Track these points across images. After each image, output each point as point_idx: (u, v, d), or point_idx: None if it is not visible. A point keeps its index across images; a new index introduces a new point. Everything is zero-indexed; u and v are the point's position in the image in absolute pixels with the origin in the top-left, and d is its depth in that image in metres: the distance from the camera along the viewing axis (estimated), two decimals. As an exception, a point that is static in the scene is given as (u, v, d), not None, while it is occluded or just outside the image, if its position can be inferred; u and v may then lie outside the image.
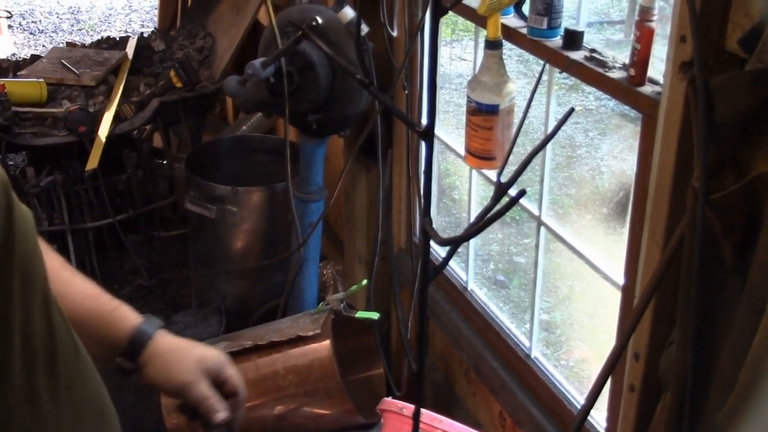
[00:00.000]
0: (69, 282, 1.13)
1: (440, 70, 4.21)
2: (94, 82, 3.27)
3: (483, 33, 1.91)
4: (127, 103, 3.18)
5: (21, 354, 0.85)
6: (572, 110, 0.66)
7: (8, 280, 0.84)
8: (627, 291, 1.63)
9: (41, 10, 7.19)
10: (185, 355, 1.16)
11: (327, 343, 2.22)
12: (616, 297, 1.70)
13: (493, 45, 1.83)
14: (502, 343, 2.16)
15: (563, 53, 1.69)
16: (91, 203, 3.31)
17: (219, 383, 1.17)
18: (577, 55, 1.67)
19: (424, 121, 2.26)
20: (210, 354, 1.18)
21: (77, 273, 1.15)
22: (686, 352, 1.10)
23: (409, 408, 1.91)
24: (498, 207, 0.52)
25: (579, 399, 1.93)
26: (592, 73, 1.61)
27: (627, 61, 1.53)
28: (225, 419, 1.14)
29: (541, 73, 1.69)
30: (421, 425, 1.83)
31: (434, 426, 1.82)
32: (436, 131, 2.32)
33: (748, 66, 1.07)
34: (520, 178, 0.56)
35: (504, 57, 1.86)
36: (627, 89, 1.52)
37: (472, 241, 2.36)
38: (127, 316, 1.15)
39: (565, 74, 1.81)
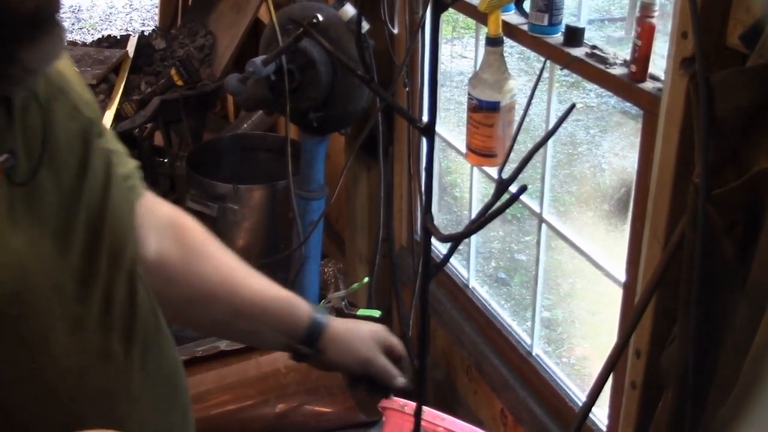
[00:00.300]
0: (249, 276, 1.22)
1: (441, 67, 4.21)
2: (95, 80, 3.27)
3: (484, 30, 1.91)
4: (128, 102, 3.18)
5: (99, 317, 0.93)
6: (573, 107, 0.65)
7: (97, 250, 0.93)
8: (628, 288, 1.63)
9: (42, 9, 7.18)
10: (358, 335, 1.27)
11: (328, 340, 2.21)
12: (617, 294, 1.70)
13: (493, 42, 1.83)
14: (504, 341, 2.16)
15: (564, 50, 1.69)
16: (92, 202, 3.30)
17: (387, 352, 1.28)
18: (578, 52, 1.66)
19: (425, 118, 2.25)
20: (375, 328, 1.29)
21: (251, 269, 1.24)
22: (687, 349, 1.10)
23: (410, 406, 1.91)
24: (499, 203, 0.52)
25: (580, 396, 1.93)
26: (593, 70, 1.61)
27: (628, 57, 1.53)
28: (404, 383, 1.29)
29: (542, 70, 1.69)
30: (423, 423, 1.83)
31: (436, 424, 1.82)
32: (437, 128, 2.32)
33: (750, 62, 1.07)
34: (521, 175, 0.56)
35: (505, 54, 1.86)
36: (628, 86, 1.52)
37: (473, 239, 2.36)
38: (302, 307, 1.24)
39: (566, 71, 1.81)
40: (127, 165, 1.12)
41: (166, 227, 1.19)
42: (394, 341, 1.30)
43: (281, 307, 1.23)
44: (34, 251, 0.86)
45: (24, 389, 0.87)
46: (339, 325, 1.26)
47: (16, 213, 0.86)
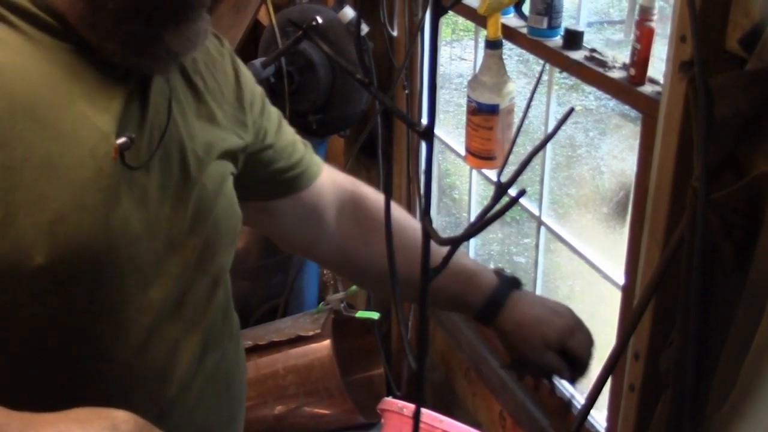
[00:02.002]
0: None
1: (440, 70, 4.21)
2: (95, 82, 3.27)
3: (483, 33, 1.91)
4: (128, 103, 3.18)
5: (171, 307, 0.97)
6: (572, 110, 0.66)
7: (187, 251, 0.98)
8: (627, 291, 1.63)
9: (41, 10, 7.18)
10: (530, 333, 1.27)
11: (327, 342, 2.22)
12: (616, 297, 1.70)
13: (493, 45, 1.83)
14: (503, 343, 2.16)
15: (563, 53, 1.69)
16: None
17: (565, 349, 1.29)
18: (577, 55, 1.67)
19: (424, 121, 2.26)
20: (553, 329, 1.28)
21: (412, 219, 1.28)
22: (686, 351, 1.10)
23: (409, 408, 1.91)
24: (498, 206, 0.52)
25: (579, 399, 1.93)
26: (592, 73, 1.61)
27: (627, 60, 1.53)
28: (565, 377, 1.30)
29: (541, 73, 1.69)
30: (422, 425, 1.83)
31: (434, 426, 1.82)
32: (436, 131, 2.32)
33: (749, 66, 1.07)
34: (520, 178, 0.56)
35: (504, 57, 1.86)
36: (627, 89, 1.52)
37: (472, 241, 2.36)
38: (484, 282, 1.27)
39: (565, 74, 1.81)
40: (297, 153, 1.20)
41: (344, 203, 1.26)
42: (573, 344, 1.30)
43: (461, 279, 1.26)
44: (127, 231, 0.90)
45: (83, 348, 0.90)
46: (515, 315, 1.27)
47: (119, 193, 0.89)
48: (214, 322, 1.06)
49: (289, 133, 1.22)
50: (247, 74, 1.16)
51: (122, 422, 0.79)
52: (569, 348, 1.29)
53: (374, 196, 1.30)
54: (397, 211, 1.29)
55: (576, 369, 1.31)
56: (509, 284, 1.29)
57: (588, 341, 1.32)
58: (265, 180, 1.18)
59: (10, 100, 0.82)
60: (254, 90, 1.16)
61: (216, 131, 1.04)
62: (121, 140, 0.87)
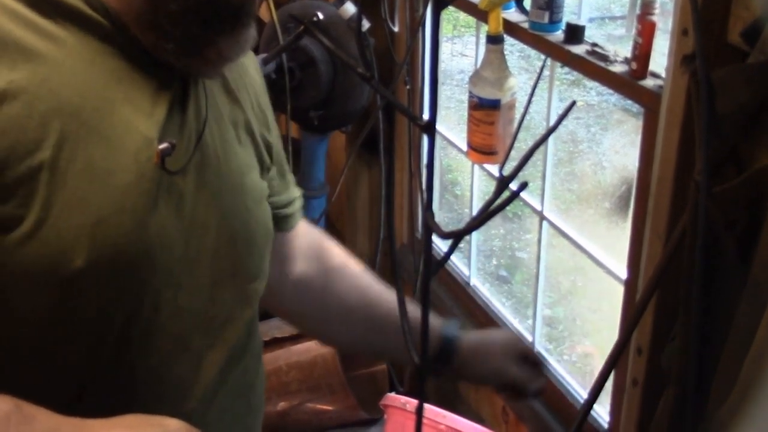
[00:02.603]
0: (385, 293, 1.27)
1: (441, 65, 4.21)
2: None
3: (484, 28, 1.91)
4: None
5: (199, 318, 0.97)
6: (573, 104, 0.66)
7: (219, 261, 0.98)
8: (629, 285, 1.63)
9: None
10: (491, 349, 1.30)
11: (329, 339, 2.22)
12: (618, 292, 1.70)
13: (494, 40, 1.83)
14: (505, 339, 2.16)
15: (565, 48, 1.69)
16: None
17: (522, 359, 1.31)
18: (579, 50, 1.66)
19: (425, 116, 2.25)
20: (506, 340, 1.34)
21: (387, 287, 1.28)
22: (689, 346, 1.10)
23: (412, 403, 1.92)
24: (499, 201, 0.52)
25: (582, 394, 1.93)
26: (593, 68, 1.61)
27: (629, 55, 1.53)
28: (537, 387, 1.32)
29: (542, 68, 1.69)
30: (425, 420, 1.83)
31: (437, 421, 1.83)
32: (438, 126, 2.32)
33: (751, 59, 1.07)
34: (522, 173, 0.56)
35: (505, 52, 1.86)
36: (629, 83, 1.52)
37: (474, 236, 2.36)
38: (433, 323, 1.25)
39: (566, 69, 1.81)
40: (290, 193, 1.20)
41: (309, 249, 1.26)
42: (527, 349, 1.34)
43: (414, 324, 1.25)
44: (163, 237, 0.90)
45: (111, 353, 0.90)
46: (471, 340, 1.29)
47: (158, 198, 0.89)
48: (238, 338, 1.05)
49: (286, 168, 1.22)
50: (265, 86, 1.15)
51: (174, 430, 0.79)
52: (525, 351, 1.33)
53: (336, 248, 1.30)
54: (375, 285, 1.29)
55: (539, 372, 1.35)
56: (452, 324, 1.31)
57: (535, 352, 1.43)
58: None
59: (58, 101, 0.82)
60: (270, 107, 1.16)
61: (248, 141, 1.05)
62: (164, 146, 0.88)
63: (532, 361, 1.33)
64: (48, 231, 0.81)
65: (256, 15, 0.92)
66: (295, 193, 1.22)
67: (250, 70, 1.10)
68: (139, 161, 0.87)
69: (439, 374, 1.31)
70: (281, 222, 1.18)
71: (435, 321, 1.26)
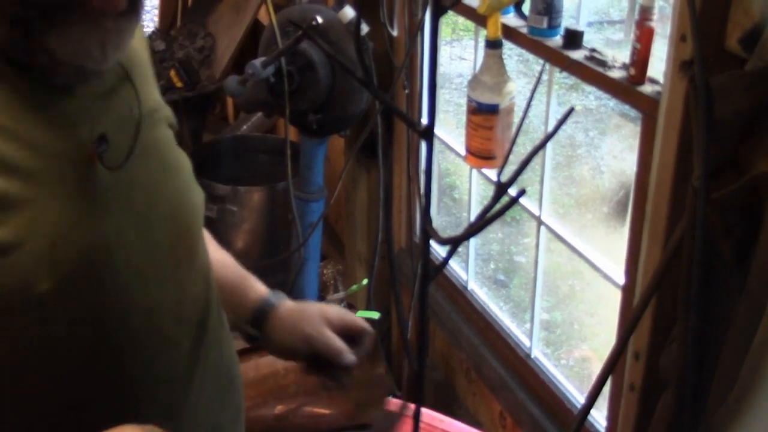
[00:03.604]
0: (214, 249, 1.18)
1: (440, 69, 4.21)
2: (95, 81, 3.27)
3: (483, 32, 1.91)
4: (128, 103, 3.18)
5: (172, 307, 0.96)
6: (572, 109, 0.66)
7: (176, 244, 0.97)
8: (627, 290, 1.63)
9: (41, 10, 7.18)
10: (306, 312, 1.19)
11: (327, 342, 2.21)
12: (616, 296, 1.70)
13: (493, 44, 1.83)
14: (503, 343, 2.17)
15: (563, 52, 1.69)
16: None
17: (344, 333, 1.19)
18: (577, 55, 1.67)
19: (424, 120, 2.26)
20: (327, 307, 1.22)
21: (213, 241, 1.20)
22: (687, 351, 1.10)
23: (409, 408, 1.91)
24: (498, 206, 0.52)
25: (579, 398, 1.93)
26: (592, 73, 1.61)
27: (627, 60, 1.53)
28: (352, 361, 1.18)
29: (541, 73, 1.69)
30: (422, 425, 1.83)
31: (435, 426, 1.82)
32: (437, 131, 2.32)
33: (749, 65, 1.07)
34: (520, 178, 0.56)
35: (504, 56, 1.86)
36: (627, 88, 1.52)
37: (472, 241, 2.36)
38: (255, 286, 1.20)
39: (565, 74, 1.81)
40: None
41: None
42: (351, 318, 1.21)
43: (234, 283, 1.20)
44: (120, 236, 0.89)
45: (93, 365, 0.90)
46: (288, 306, 1.20)
47: (106, 197, 0.87)
48: (210, 319, 1.05)
49: None
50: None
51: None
52: (349, 324, 1.20)
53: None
54: (218, 253, 1.22)
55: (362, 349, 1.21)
56: (280, 293, 1.24)
57: (363, 322, 1.23)
58: None
59: None
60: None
61: (168, 121, 1.03)
62: (96, 144, 0.86)
63: (355, 334, 1.20)
64: (8, 261, 0.80)
65: (93, 7, 0.81)
66: None
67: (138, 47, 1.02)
68: (76, 166, 0.85)
69: (254, 339, 1.19)
70: None
71: (258, 287, 1.20)
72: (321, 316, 1.18)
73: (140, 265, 0.92)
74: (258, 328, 1.18)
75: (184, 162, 1.03)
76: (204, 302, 1.03)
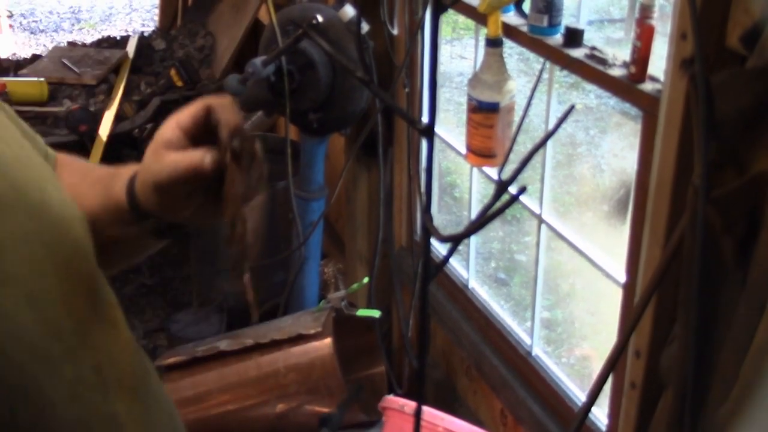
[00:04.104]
0: (80, 186, 0.98)
1: (441, 68, 4.21)
2: (95, 81, 3.27)
3: (483, 31, 1.91)
4: (128, 102, 3.18)
5: (92, 376, 0.83)
6: (572, 107, 0.66)
7: (71, 300, 0.83)
8: (628, 288, 1.64)
9: (42, 10, 7.20)
10: (146, 160, 0.91)
11: (328, 341, 2.22)
12: (617, 294, 1.70)
13: (493, 43, 1.83)
14: (503, 341, 2.17)
15: (564, 51, 1.69)
16: (92, 202, 3.31)
17: (204, 130, 0.89)
18: (578, 53, 1.67)
19: (424, 119, 2.26)
20: (165, 126, 0.91)
21: (85, 164, 1.04)
22: (687, 349, 1.10)
23: (410, 406, 1.92)
24: (498, 204, 0.52)
25: (580, 396, 1.93)
26: (592, 71, 1.61)
27: (627, 58, 1.53)
28: (209, 160, 0.86)
29: (541, 71, 1.69)
30: (423, 423, 1.83)
31: (435, 424, 1.83)
32: (437, 129, 2.32)
33: (749, 63, 1.07)
34: (520, 176, 0.56)
35: (504, 55, 1.86)
36: (628, 87, 1.52)
37: (472, 239, 2.36)
38: (122, 176, 0.95)
39: (565, 72, 1.81)
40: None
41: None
42: (197, 111, 0.89)
43: (106, 196, 0.97)
44: (13, 317, 0.75)
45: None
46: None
47: None
48: (136, 371, 0.91)
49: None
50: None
51: None
52: (197, 117, 0.90)
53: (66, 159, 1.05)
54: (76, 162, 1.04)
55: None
56: None
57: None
58: None
59: None
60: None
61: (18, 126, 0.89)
62: None
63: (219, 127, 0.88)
64: None
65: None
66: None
67: None
68: None
69: (157, 232, 0.97)
70: None
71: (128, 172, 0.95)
72: (155, 148, 0.89)
73: (41, 343, 0.77)
74: (134, 207, 0.94)
75: (48, 174, 0.87)
76: (122, 355, 0.89)
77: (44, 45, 6.33)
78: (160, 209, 0.92)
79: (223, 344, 2.33)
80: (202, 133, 0.89)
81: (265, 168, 0.93)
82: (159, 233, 0.98)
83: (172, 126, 0.90)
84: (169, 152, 0.88)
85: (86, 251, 0.87)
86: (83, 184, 0.99)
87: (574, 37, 1.68)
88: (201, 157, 0.86)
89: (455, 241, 0.54)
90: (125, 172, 0.95)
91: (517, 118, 1.91)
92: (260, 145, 0.91)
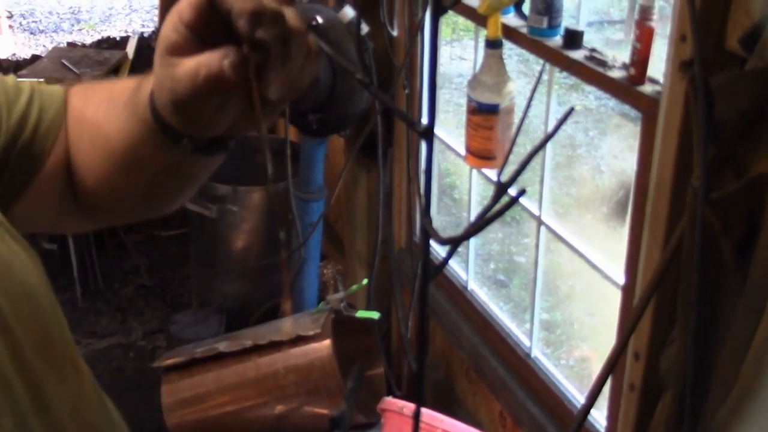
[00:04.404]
0: (109, 120, 0.83)
1: (440, 69, 4.21)
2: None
3: (483, 32, 1.91)
4: (128, 103, 3.18)
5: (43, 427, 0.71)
6: (572, 109, 0.66)
7: (12, 342, 0.69)
8: (627, 290, 1.63)
9: (42, 10, 7.19)
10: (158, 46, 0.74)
11: (327, 342, 2.22)
12: (616, 296, 1.70)
13: (493, 44, 1.83)
14: (503, 343, 2.17)
15: (563, 52, 1.69)
16: (92, 203, 3.31)
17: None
18: (578, 55, 1.67)
19: (424, 120, 2.26)
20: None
21: (108, 87, 0.87)
22: (687, 351, 1.10)
23: (409, 407, 1.92)
24: (498, 206, 0.52)
25: (579, 398, 1.93)
26: (592, 73, 1.61)
27: (627, 60, 1.54)
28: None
29: (541, 73, 1.69)
30: (422, 425, 1.83)
31: (435, 425, 1.83)
32: (437, 131, 2.32)
33: (749, 65, 1.07)
34: (520, 178, 0.56)
35: (504, 56, 1.86)
36: (627, 88, 1.52)
37: (472, 241, 2.36)
38: (143, 93, 0.78)
39: (565, 74, 1.81)
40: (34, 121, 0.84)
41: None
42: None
43: (131, 94, 0.80)
44: None
45: None
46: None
47: None
48: (94, 415, 0.78)
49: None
50: None
51: None
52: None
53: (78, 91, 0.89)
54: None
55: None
56: None
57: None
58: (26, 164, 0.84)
59: None
60: None
61: None
62: None
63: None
64: None
65: None
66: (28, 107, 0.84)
67: None
68: None
69: (191, 144, 0.77)
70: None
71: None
72: (162, 56, 0.73)
73: None
74: (156, 114, 0.75)
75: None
76: (83, 407, 0.76)
77: (44, 45, 6.33)
78: (191, 130, 0.76)
79: (222, 345, 2.33)
80: (215, 27, 0.68)
81: (319, 61, 0.72)
82: (204, 150, 0.80)
83: (175, 23, 0.72)
84: (179, 60, 0.70)
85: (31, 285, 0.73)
86: (113, 114, 0.82)
87: (573, 38, 1.68)
88: (218, 60, 0.67)
89: (455, 242, 0.54)
90: (145, 87, 0.77)
91: (516, 120, 1.91)
92: (314, 34, 0.70)
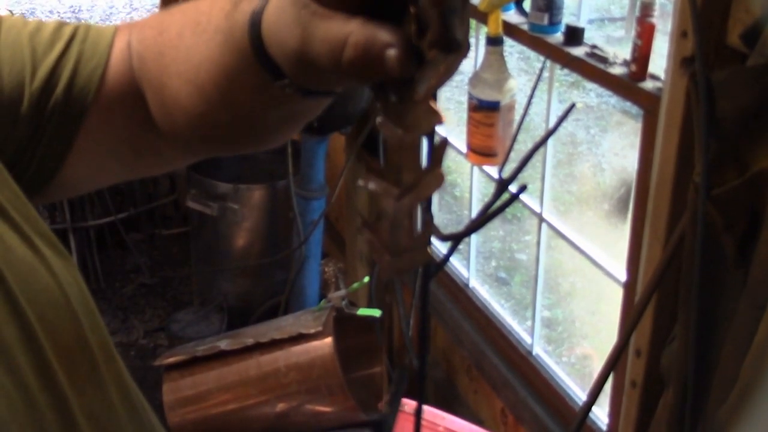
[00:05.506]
0: (192, 48, 0.71)
1: (441, 67, 4.20)
2: (95, 80, 3.27)
3: (484, 29, 1.91)
4: (128, 101, 3.18)
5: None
6: (573, 106, 0.66)
7: (44, 366, 0.64)
8: (629, 287, 1.63)
9: (42, 9, 7.20)
10: None
11: (329, 340, 2.22)
12: (617, 293, 1.70)
13: (494, 41, 1.83)
14: (504, 340, 2.16)
15: (564, 49, 1.69)
16: (93, 201, 3.31)
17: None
18: (578, 51, 1.66)
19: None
20: None
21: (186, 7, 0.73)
22: (688, 348, 1.10)
23: (410, 405, 1.92)
24: (499, 203, 0.52)
25: (581, 396, 1.93)
26: (593, 69, 1.61)
27: (628, 57, 1.53)
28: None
29: (541, 70, 1.69)
30: (423, 422, 1.83)
31: (436, 423, 1.83)
32: (437, 128, 2.32)
33: (750, 61, 1.07)
34: (521, 175, 0.56)
35: (505, 53, 1.86)
36: (628, 85, 1.52)
37: (473, 238, 2.36)
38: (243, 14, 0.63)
39: (566, 71, 1.81)
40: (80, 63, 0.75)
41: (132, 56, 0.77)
42: None
43: (225, 17, 0.67)
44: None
45: None
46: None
47: None
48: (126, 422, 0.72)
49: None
50: None
51: None
52: None
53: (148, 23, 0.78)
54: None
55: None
56: None
57: None
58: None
59: None
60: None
61: None
62: None
63: None
64: None
65: None
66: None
67: None
68: None
69: (289, 86, 0.62)
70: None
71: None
72: None
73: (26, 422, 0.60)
74: (257, 46, 0.61)
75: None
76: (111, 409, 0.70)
77: (44, 44, 6.33)
78: (303, 81, 0.62)
79: (224, 343, 2.33)
80: None
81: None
82: (308, 93, 0.64)
83: None
84: (324, 11, 0.52)
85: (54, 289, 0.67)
86: (201, 40, 0.69)
87: (574, 35, 1.68)
88: (380, 47, 0.49)
89: (456, 239, 0.54)
90: (243, 7, 0.63)
91: (517, 117, 1.91)
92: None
